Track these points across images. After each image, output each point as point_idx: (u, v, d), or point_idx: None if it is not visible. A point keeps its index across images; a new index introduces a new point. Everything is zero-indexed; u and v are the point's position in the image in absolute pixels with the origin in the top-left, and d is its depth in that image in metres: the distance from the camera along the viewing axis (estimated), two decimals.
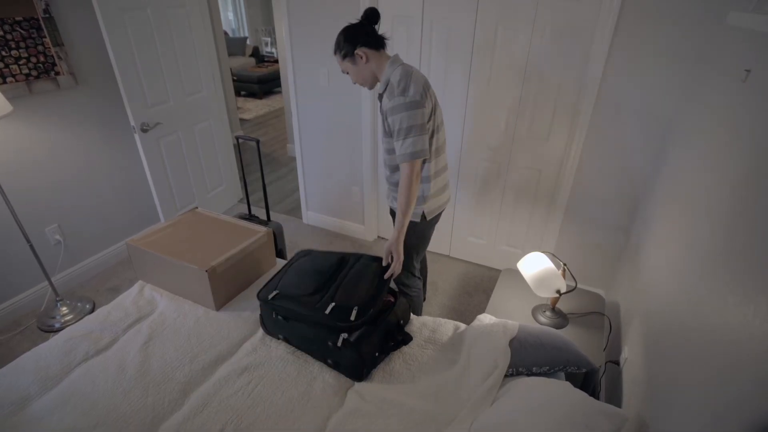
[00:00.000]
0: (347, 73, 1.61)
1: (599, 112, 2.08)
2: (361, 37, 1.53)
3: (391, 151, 1.65)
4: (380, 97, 1.61)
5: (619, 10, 1.84)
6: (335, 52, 1.58)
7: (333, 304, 1.46)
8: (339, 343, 1.40)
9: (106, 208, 2.69)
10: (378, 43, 1.55)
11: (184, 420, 1.28)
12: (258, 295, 1.59)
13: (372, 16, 1.54)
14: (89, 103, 2.45)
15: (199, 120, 3.05)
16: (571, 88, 2.10)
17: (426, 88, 1.54)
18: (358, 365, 1.42)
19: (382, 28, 2.40)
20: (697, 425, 0.88)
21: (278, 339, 1.59)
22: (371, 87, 1.65)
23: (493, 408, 1.22)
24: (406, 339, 1.58)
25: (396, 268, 1.60)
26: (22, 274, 2.34)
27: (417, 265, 1.89)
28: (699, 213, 1.26)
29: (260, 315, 1.62)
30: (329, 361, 1.48)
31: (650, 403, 1.19)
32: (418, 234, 1.76)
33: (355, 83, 1.65)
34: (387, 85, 1.55)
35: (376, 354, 1.47)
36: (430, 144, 1.60)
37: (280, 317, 1.53)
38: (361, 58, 1.54)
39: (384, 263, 1.63)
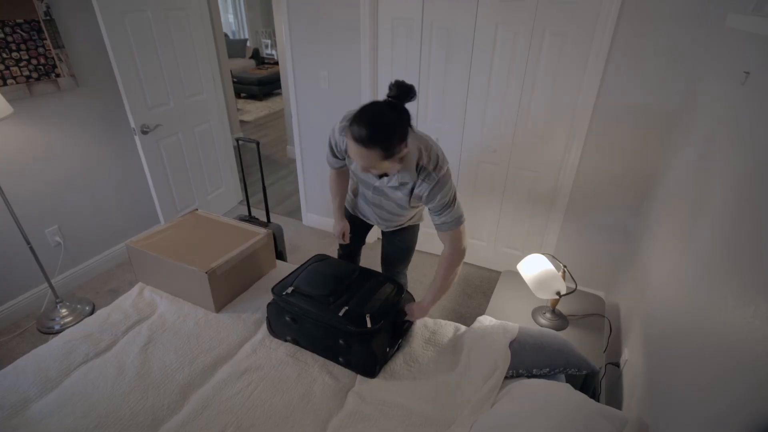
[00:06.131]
0: (371, 170, 1.29)
1: (599, 112, 2.08)
2: (407, 126, 1.22)
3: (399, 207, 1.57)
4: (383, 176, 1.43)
5: (618, 11, 1.84)
6: (382, 152, 1.18)
7: (346, 308, 1.47)
8: (350, 341, 1.42)
9: (106, 210, 2.69)
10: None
11: (183, 422, 1.28)
12: (273, 290, 1.59)
13: (407, 93, 1.19)
14: (89, 105, 2.45)
15: (200, 122, 3.05)
16: (571, 88, 2.10)
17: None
18: (370, 362, 1.43)
19: (382, 30, 2.40)
20: (698, 427, 0.88)
21: (285, 341, 1.59)
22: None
23: (493, 410, 1.22)
24: (408, 326, 1.60)
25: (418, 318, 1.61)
26: (21, 275, 2.34)
27: None
28: (699, 215, 1.26)
29: (267, 318, 1.62)
30: (341, 359, 1.48)
31: (650, 405, 1.19)
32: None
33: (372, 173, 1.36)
34: (418, 172, 1.33)
35: (387, 349, 1.48)
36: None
37: (288, 318, 1.53)
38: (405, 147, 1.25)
39: (408, 318, 1.60)
